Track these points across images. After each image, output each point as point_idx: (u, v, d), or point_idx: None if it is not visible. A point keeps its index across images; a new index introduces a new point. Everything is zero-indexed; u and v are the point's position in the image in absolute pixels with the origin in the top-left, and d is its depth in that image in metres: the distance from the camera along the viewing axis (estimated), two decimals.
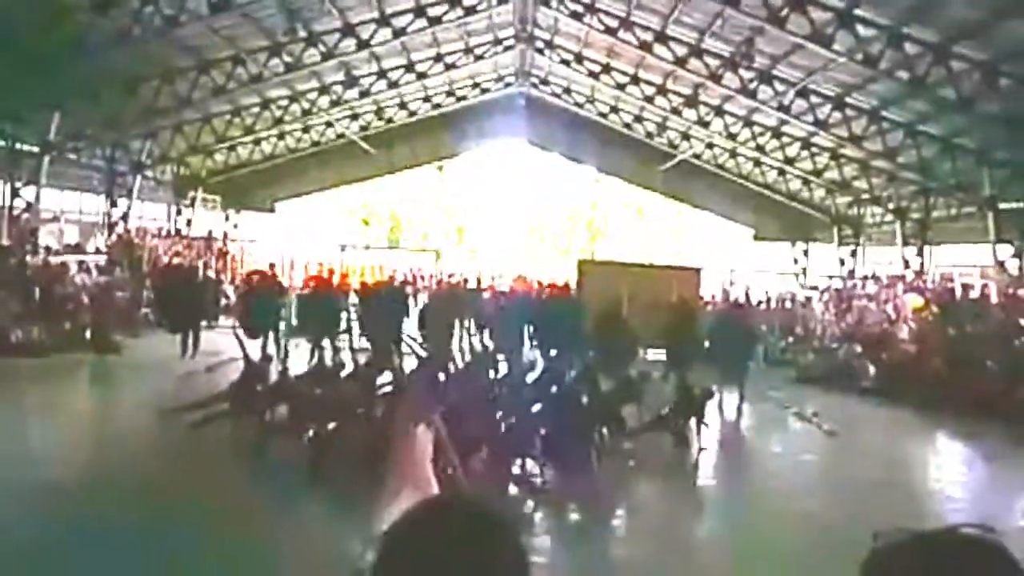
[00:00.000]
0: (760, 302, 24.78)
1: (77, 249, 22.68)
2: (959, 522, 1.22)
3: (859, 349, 19.37)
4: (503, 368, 13.83)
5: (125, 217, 25.03)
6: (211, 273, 24.09)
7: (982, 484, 11.72)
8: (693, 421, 11.80)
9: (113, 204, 24.78)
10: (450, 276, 29.94)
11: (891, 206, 24.99)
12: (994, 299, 19.47)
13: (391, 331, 16.61)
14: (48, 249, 20.86)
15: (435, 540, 1.18)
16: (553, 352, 16.44)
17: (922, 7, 14.41)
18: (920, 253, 24.30)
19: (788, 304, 25.43)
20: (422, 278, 31.40)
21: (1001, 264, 19.77)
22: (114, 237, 24.22)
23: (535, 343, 17.98)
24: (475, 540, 1.18)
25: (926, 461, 13.19)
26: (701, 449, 11.70)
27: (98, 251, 23.07)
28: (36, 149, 20.40)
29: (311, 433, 9.99)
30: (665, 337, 17.12)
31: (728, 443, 13.74)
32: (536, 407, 10.85)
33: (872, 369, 18.42)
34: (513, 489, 9.21)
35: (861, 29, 15.80)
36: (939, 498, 10.29)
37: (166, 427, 10.86)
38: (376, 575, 1.18)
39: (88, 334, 17.48)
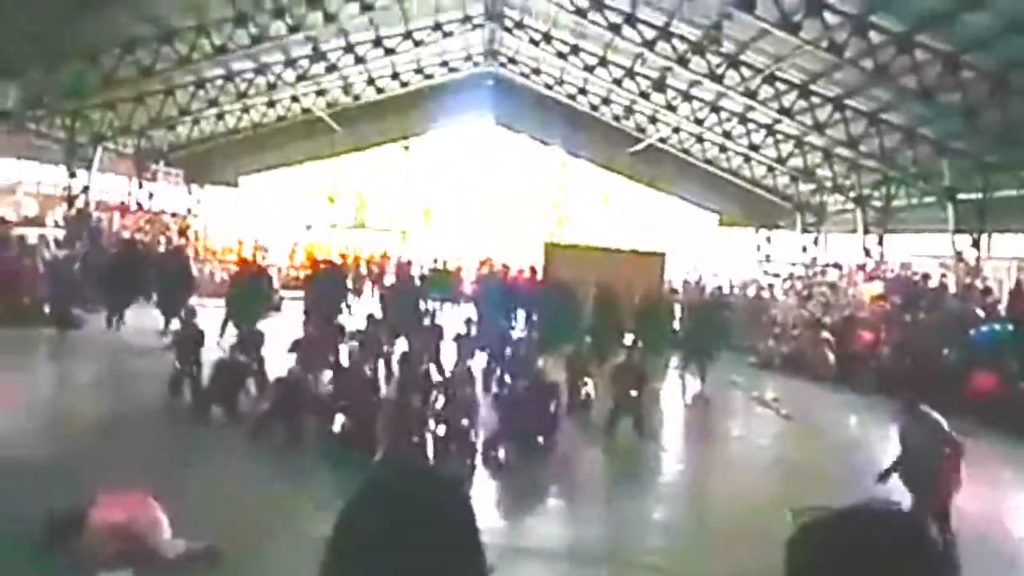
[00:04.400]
0: (720, 287, 24.99)
1: (35, 222, 22.24)
2: (872, 498, 1.34)
3: (819, 336, 19.59)
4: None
5: (85, 190, 24.53)
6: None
7: None
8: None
9: (72, 176, 24.25)
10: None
11: (852, 194, 25.27)
12: (952, 289, 19.80)
13: (330, 311, 16.64)
14: (5, 221, 20.44)
15: (390, 505, 1.29)
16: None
17: None
18: (881, 242, 24.60)
19: (750, 290, 25.66)
20: (387, 259, 31.15)
21: (959, 254, 20.08)
22: (74, 210, 23.77)
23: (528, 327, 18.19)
24: (427, 503, 1.32)
25: (877, 447, 13.42)
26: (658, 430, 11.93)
27: (57, 224, 22.64)
28: None
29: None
30: (632, 322, 17.23)
31: (690, 426, 13.95)
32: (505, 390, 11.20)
33: (831, 356, 18.68)
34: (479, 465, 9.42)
35: (828, 16, 15.89)
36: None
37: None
38: (337, 539, 1.30)
39: (47, 309, 17.23)
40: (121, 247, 20.59)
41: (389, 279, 24.07)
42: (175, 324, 14.96)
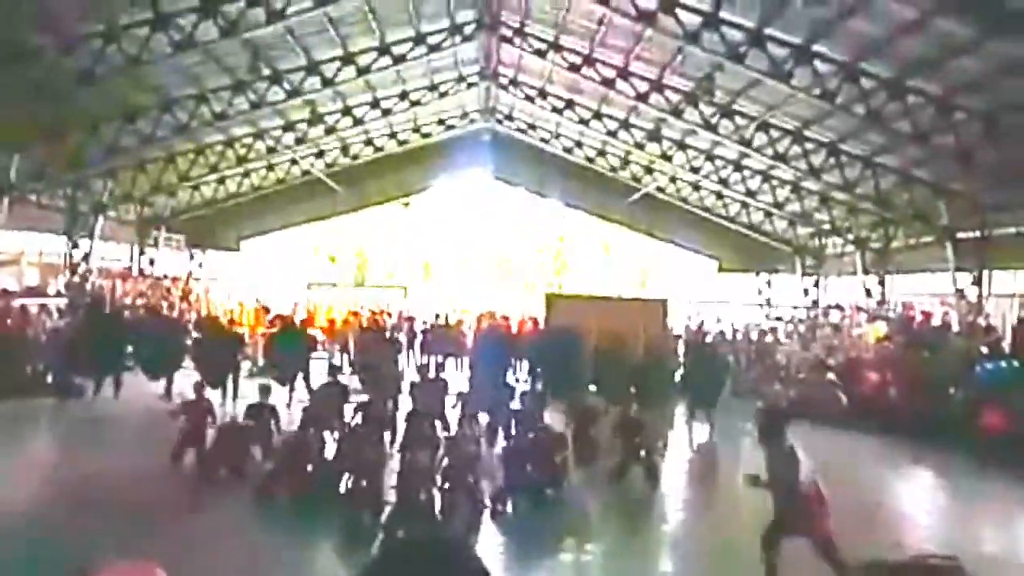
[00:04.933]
0: (723, 333, 24.90)
1: (37, 291, 22.31)
2: (925, 551, 1.27)
3: (824, 378, 19.47)
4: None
5: (87, 258, 24.66)
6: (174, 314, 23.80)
7: (947, 512, 11.85)
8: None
9: (74, 245, 24.40)
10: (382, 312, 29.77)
11: (851, 236, 25.36)
12: (955, 327, 19.78)
13: (295, 367, 16.89)
14: (7, 292, 20.50)
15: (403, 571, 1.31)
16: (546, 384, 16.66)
17: (877, 43, 14.73)
18: (881, 282, 24.63)
19: (754, 335, 25.59)
20: (389, 315, 31.15)
21: (960, 292, 20.10)
22: (76, 278, 23.86)
23: (532, 379, 18.14)
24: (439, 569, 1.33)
25: (891, 488, 13.30)
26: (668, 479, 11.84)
27: (59, 293, 22.72)
28: None
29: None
30: (634, 372, 17.15)
31: (700, 474, 13.82)
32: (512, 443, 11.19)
33: (844, 398, 18.55)
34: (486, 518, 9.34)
35: (819, 64, 16.10)
36: (907, 525, 10.37)
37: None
38: None
39: (50, 378, 17.21)
40: (96, 314, 20.01)
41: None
42: (177, 390, 15.02)
